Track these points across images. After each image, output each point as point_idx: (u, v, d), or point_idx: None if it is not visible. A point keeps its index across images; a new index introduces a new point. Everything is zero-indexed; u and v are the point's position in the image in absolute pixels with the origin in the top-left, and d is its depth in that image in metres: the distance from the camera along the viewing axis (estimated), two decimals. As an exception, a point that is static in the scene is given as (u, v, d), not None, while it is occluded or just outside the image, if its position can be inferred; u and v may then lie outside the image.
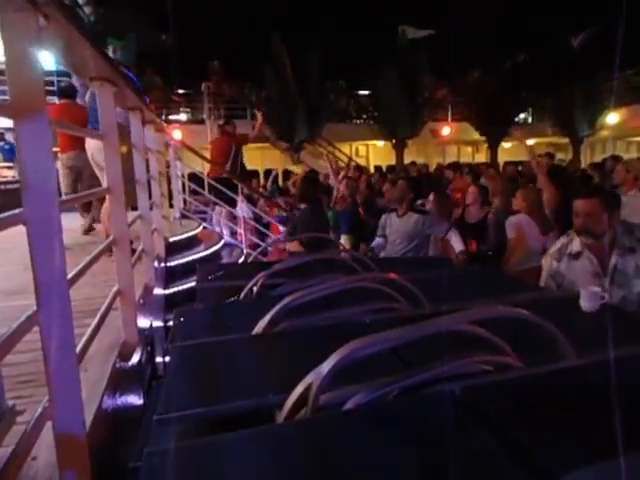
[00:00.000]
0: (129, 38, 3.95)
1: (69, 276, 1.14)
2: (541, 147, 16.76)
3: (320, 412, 1.10)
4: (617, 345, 1.22)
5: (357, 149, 17.12)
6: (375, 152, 17.10)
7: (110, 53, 3.88)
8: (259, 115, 7.22)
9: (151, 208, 3.54)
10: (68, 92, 4.93)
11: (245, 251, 6.07)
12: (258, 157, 14.17)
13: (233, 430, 1.07)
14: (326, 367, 1.08)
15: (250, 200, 6.94)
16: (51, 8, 0.88)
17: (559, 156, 12.67)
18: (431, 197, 4.40)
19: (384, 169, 12.31)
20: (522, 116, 16.78)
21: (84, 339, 1.37)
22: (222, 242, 5.71)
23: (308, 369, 1.13)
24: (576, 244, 2.42)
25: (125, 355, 1.79)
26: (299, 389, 1.12)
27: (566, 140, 15.93)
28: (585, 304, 1.74)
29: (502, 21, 14.86)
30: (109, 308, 1.71)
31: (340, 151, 15.26)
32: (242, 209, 6.46)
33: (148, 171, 3.63)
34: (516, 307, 1.33)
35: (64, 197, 1.27)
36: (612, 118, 14.51)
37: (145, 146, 3.30)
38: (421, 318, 1.27)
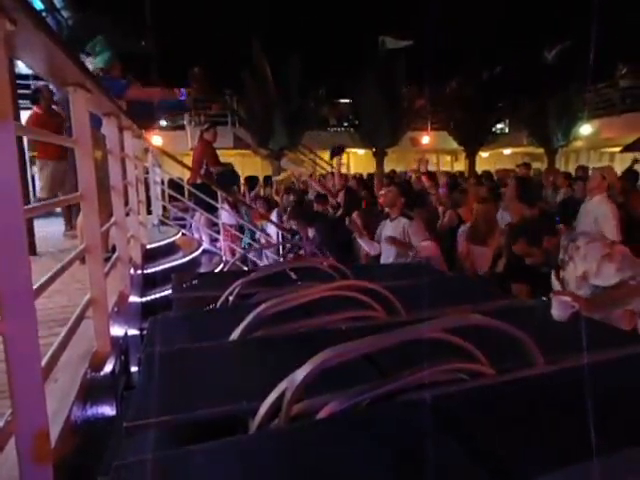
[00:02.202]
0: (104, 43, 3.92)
1: (37, 285, 1.12)
2: (517, 157, 17.15)
3: (293, 421, 1.09)
4: (585, 352, 1.25)
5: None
6: (356, 160, 17.22)
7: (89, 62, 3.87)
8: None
9: (127, 215, 3.49)
10: (32, 98, 4.91)
11: (224, 258, 6.02)
12: (238, 164, 14.15)
13: (206, 437, 1.06)
14: (299, 375, 1.08)
15: (234, 207, 6.89)
16: (19, 13, 0.86)
17: (535, 165, 12.97)
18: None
19: (365, 177, 12.43)
20: (499, 126, 17.11)
21: (53, 349, 1.34)
22: (201, 249, 5.65)
23: (283, 377, 1.12)
24: None
25: (97, 365, 1.75)
26: (272, 397, 1.11)
27: (541, 150, 16.31)
28: (556, 313, 1.78)
29: (479, 34, 15.21)
30: (81, 317, 1.68)
31: (321, 158, 15.34)
32: (223, 216, 6.41)
33: (125, 177, 3.58)
34: (490, 315, 1.35)
35: (31, 205, 1.25)
36: (585, 129, 14.92)
37: (122, 152, 3.26)
38: (397, 326, 1.28)
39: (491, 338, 1.26)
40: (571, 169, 13.36)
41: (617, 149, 13.57)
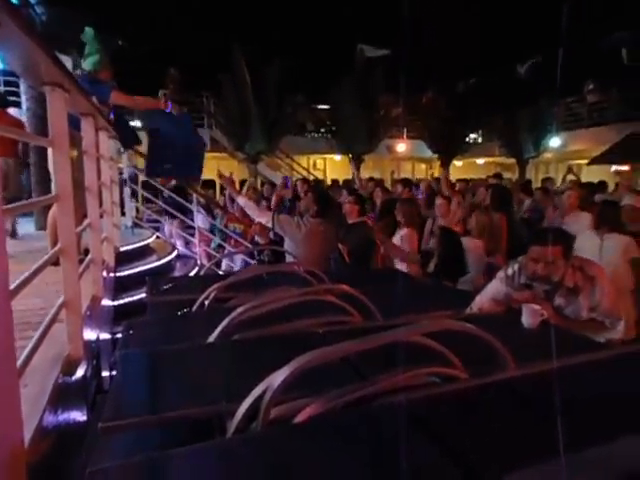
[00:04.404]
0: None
1: (11, 287, 1.10)
2: (490, 166, 17.57)
3: (272, 423, 1.10)
4: (554, 357, 1.30)
5: (315, 162, 17.30)
6: (332, 166, 17.32)
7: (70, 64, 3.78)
8: None
9: (101, 216, 3.43)
10: None
11: (200, 262, 5.96)
12: (214, 167, 14.05)
13: (183, 439, 1.05)
14: (279, 377, 1.09)
15: (208, 211, 6.81)
16: (2, 13, 0.85)
17: (506, 175, 13.30)
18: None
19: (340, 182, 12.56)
20: (473, 136, 17.49)
21: (25, 353, 1.31)
22: (175, 253, 5.58)
23: (260, 379, 1.13)
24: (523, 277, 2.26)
25: (69, 369, 1.71)
26: (250, 399, 1.12)
27: (513, 160, 16.75)
28: (526, 320, 1.84)
29: (456, 47, 15.56)
30: (53, 320, 1.64)
31: (298, 164, 15.38)
32: (199, 219, 6.34)
33: (100, 178, 3.52)
34: (463, 321, 1.39)
35: (9, 205, 1.22)
36: (554, 142, 15.42)
37: (97, 153, 3.20)
38: (374, 330, 1.31)
39: (465, 343, 1.30)
40: (539, 180, 13.76)
41: (584, 161, 14.07)
